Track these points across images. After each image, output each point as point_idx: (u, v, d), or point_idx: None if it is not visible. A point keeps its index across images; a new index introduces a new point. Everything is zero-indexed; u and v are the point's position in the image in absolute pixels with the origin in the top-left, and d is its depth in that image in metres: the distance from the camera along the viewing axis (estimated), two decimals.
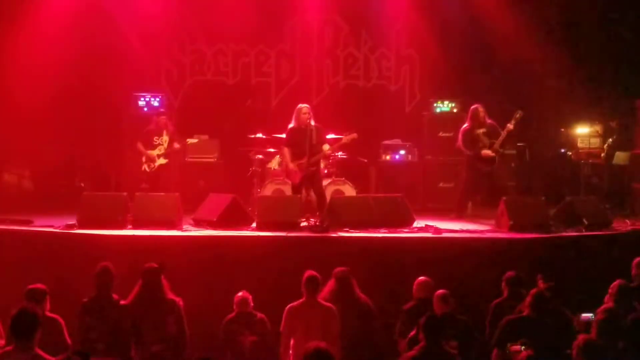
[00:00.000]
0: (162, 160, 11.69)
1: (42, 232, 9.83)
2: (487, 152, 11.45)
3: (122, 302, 7.52)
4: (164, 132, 11.76)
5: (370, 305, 7.90)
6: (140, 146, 11.77)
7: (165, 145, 11.72)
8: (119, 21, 13.64)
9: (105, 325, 7.36)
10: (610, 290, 7.70)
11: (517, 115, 11.38)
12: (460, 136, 11.78)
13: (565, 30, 13.59)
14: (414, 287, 8.03)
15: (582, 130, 13.54)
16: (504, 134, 11.41)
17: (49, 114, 13.21)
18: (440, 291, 7.59)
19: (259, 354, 7.63)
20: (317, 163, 11.05)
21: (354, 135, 11.03)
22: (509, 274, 7.95)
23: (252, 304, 7.75)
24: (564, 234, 10.10)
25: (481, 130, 11.55)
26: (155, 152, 11.66)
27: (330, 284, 7.87)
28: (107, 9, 13.53)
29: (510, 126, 11.36)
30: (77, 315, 7.41)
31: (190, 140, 12.30)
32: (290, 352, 7.49)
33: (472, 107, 11.68)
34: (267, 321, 7.74)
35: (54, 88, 13.16)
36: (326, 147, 11.02)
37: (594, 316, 7.31)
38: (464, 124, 11.89)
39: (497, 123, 11.59)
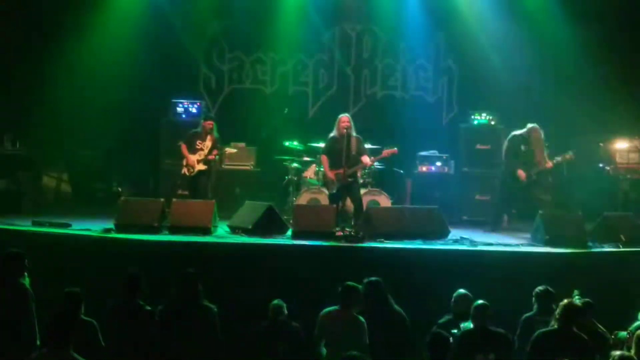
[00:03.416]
0: (201, 167, 11.61)
1: (80, 235, 9.94)
2: (521, 173, 11.36)
3: (147, 307, 7.56)
4: (208, 138, 11.68)
5: (404, 317, 7.90)
6: (184, 149, 11.66)
7: (207, 151, 11.63)
8: (157, 27, 13.76)
9: (130, 329, 7.41)
10: None
11: (567, 156, 11.29)
12: (506, 142, 11.70)
13: (604, 45, 13.45)
14: (453, 300, 7.98)
15: (621, 146, 13.38)
16: (544, 166, 11.35)
17: (88, 119, 13.38)
18: (480, 302, 7.50)
19: None
20: (355, 174, 11.04)
21: (394, 150, 11.04)
22: (540, 288, 7.87)
23: (286, 312, 7.74)
24: (601, 249, 10.01)
25: (528, 149, 11.45)
26: (195, 157, 11.66)
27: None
28: (147, 14, 13.67)
29: (550, 164, 11.33)
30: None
31: (228, 150, 12.29)
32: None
33: (533, 127, 11.45)
34: (301, 330, 7.71)
35: (93, 93, 13.34)
36: (366, 159, 11.01)
37: (628, 333, 7.24)
38: (501, 136, 11.83)
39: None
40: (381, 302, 7.85)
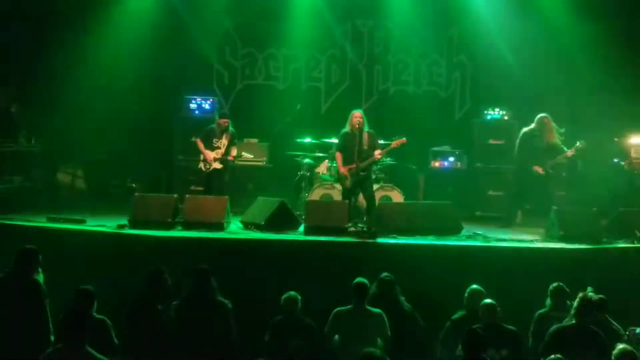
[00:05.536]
0: (217, 165, 11.61)
1: (94, 231, 9.96)
2: (537, 168, 11.32)
3: (160, 307, 7.57)
4: (224, 136, 11.67)
5: (413, 313, 7.93)
6: (200, 145, 11.67)
7: (223, 149, 11.63)
8: (170, 24, 13.77)
9: (145, 328, 7.44)
10: None
11: (579, 146, 11.25)
12: (518, 139, 11.65)
13: (619, 39, 13.38)
14: (466, 296, 7.96)
15: (636, 141, 13.31)
16: (559, 159, 11.33)
17: (102, 115, 13.41)
18: (487, 301, 7.52)
19: (303, 358, 7.62)
20: (368, 168, 11.03)
21: (403, 139, 11.01)
22: (554, 285, 7.87)
23: (299, 305, 7.73)
24: (616, 245, 9.95)
25: (541, 142, 11.40)
26: (213, 155, 11.63)
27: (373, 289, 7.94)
28: (160, 12, 13.69)
29: (568, 154, 11.28)
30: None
31: (245, 154, 12.21)
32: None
33: (543, 116, 11.45)
34: (314, 326, 7.72)
35: (106, 89, 13.37)
36: (377, 152, 10.99)
37: None
38: (514, 131, 11.79)
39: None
40: (392, 300, 7.88)
